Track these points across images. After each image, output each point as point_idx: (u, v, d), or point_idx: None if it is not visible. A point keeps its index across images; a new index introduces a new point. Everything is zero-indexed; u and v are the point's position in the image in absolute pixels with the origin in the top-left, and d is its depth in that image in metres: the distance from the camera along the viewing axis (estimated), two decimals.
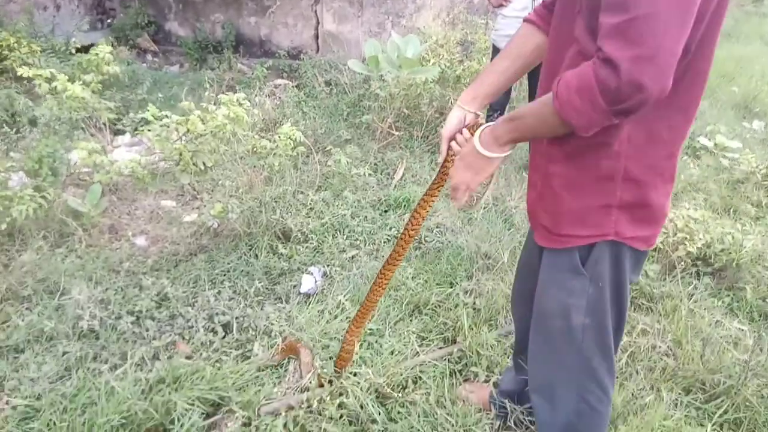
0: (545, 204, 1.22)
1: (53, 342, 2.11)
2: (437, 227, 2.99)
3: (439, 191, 1.46)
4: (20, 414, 1.77)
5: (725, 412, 1.80)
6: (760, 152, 3.85)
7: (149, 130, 2.22)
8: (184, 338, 2.17)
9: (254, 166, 2.83)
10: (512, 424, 1.77)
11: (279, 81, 5.42)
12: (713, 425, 1.75)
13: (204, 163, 2.49)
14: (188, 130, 2.19)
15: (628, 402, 1.76)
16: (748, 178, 3.34)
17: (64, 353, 2.04)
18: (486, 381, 2.00)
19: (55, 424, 1.70)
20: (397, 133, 3.95)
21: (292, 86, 5.18)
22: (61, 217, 2.74)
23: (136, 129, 3.53)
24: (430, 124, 4.15)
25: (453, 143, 1.37)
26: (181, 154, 2.28)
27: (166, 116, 2.35)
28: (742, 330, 2.11)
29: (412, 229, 1.52)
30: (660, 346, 1.98)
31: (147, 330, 2.18)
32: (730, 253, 2.46)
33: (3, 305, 2.26)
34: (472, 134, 1.34)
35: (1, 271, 2.41)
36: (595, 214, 1.14)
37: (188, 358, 2.03)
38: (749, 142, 4.08)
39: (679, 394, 1.83)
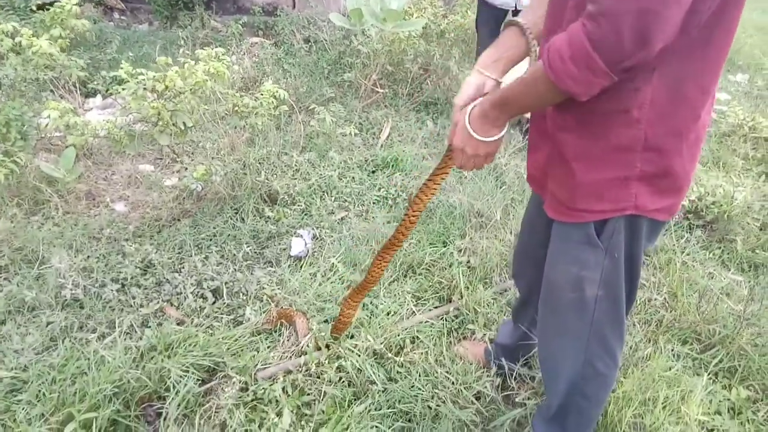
0: (556, 174, 1.13)
1: (36, 312, 2.02)
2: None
3: (445, 175, 1.30)
4: (7, 386, 1.70)
5: (720, 361, 1.82)
6: (746, 105, 3.85)
7: (124, 89, 2.09)
8: (172, 305, 2.11)
9: (236, 127, 2.71)
10: (512, 382, 1.76)
11: (255, 39, 5.21)
12: (709, 374, 1.77)
13: (184, 124, 2.37)
14: (166, 87, 2.06)
15: (628, 355, 1.76)
16: (735, 131, 3.34)
17: (48, 323, 1.97)
18: (482, 339, 1.99)
19: (44, 395, 1.64)
20: (381, 90, 3.83)
21: (269, 44, 4.98)
22: (35, 183, 2.61)
23: (107, 90, 3.36)
24: (414, 81, 4.04)
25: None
26: (159, 114, 2.15)
27: (141, 74, 2.22)
28: (738, 281, 2.13)
29: (413, 215, 1.38)
30: (656, 299, 1.98)
31: (133, 298, 2.11)
32: (721, 205, 2.46)
33: None
34: None
35: None
36: (613, 188, 1.04)
37: (179, 323, 1.97)
38: (734, 95, 4.07)
39: (676, 345, 1.84)
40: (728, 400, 1.72)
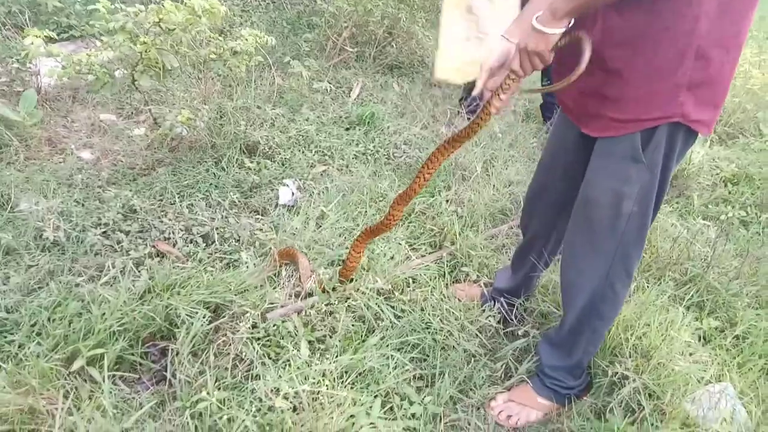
0: (603, 90, 1.19)
1: (13, 256, 1.89)
2: (405, 143, 2.97)
3: (468, 139, 1.34)
4: None
5: (692, 296, 2.00)
6: None
7: (109, 22, 1.95)
8: (161, 252, 2.04)
9: (216, 73, 2.62)
10: (512, 319, 1.85)
11: None
12: (683, 308, 1.95)
13: (163, 66, 2.26)
14: (160, 20, 1.94)
15: None
16: None
17: (30, 267, 1.85)
18: (476, 281, 2.07)
19: (39, 334, 1.56)
20: (351, 50, 3.80)
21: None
22: None
23: (65, 31, 3.14)
24: (380, 44, 4.04)
25: (491, 84, 1.26)
26: (145, 53, 2.04)
27: (124, 8, 2.09)
28: (707, 225, 2.34)
29: (427, 173, 1.45)
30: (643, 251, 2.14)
31: (119, 242, 2.01)
32: (680, 165, 2.67)
33: None
34: (513, 81, 1.22)
35: None
36: (664, 95, 1.13)
37: (177, 260, 1.91)
38: None
39: (655, 283, 2.01)
40: (700, 329, 1.90)
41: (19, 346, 1.54)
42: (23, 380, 1.37)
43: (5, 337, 1.58)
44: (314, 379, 1.47)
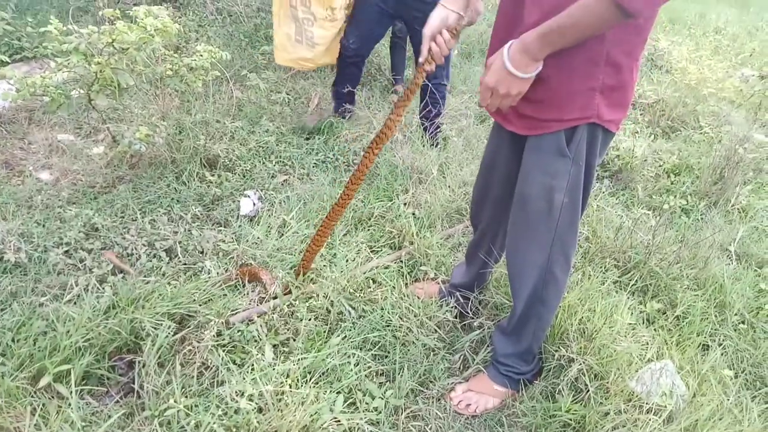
0: (529, 93, 1.28)
1: None
2: (363, 150, 3.05)
3: (407, 105, 1.48)
4: None
5: (635, 282, 2.13)
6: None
7: (62, 44, 1.98)
8: (118, 255, 2.07)
9: (174, 89, 2.66)
10: (468, 311, 1.95)
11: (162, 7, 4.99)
12: (627, 293, 2.07)
13: (119, 85, 2.29)
14: (113, 41, 1.98)
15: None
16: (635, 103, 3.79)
17: None
18: (434, 279, 2.16)
19: (4, 354, 1.58)
20: None
21: (179, 15, 4.81)
22: None
23: (18, 53, 3.14)
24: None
25: (433, 44, 1.40)
26: (99, 72, 2.07)
27: (75, 30, 2.12)
28: (647, 214, 2.48)
29: (376, 147, 1.54)
30: (581, 232, 2.26)
31: (81, 261, 2.04)
32: (624, 158, 2.83)
33: None
34: (453, 36, 1.38)
35: None
36: (581, 98, 1.24)
37: (120, 272, 1.95)
38: None
39: (600, 272, 2.13)
40: (643, 312, 2.03)
41: None
42: None
43: None
44: (278, 379, 1.53)
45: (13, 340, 1.63)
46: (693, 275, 2.20)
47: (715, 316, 2.05)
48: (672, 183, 2.94)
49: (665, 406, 1.56)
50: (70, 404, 1.43)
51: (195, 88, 2.58)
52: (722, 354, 1.89)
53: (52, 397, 1.50)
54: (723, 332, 1.99)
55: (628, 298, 2.05)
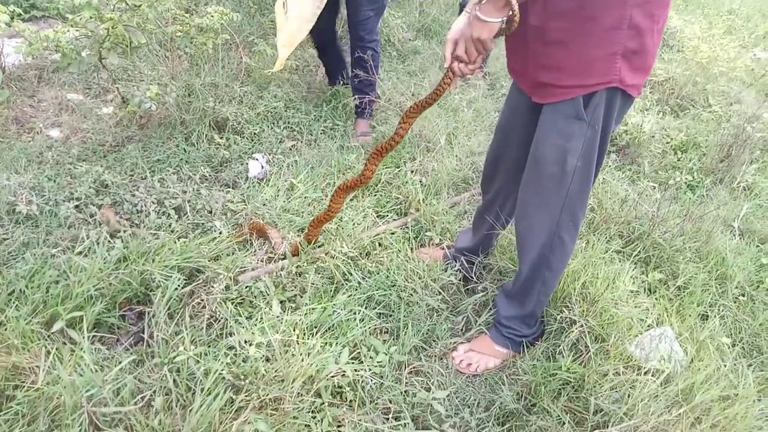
0: (546, 61, 1.30)
1: None
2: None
3: (434, 101, 1.45)
4: None
5: (639, 253, 2.15)
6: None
7: (66, 1, 1.98)
8: (134, 223, 2.10)
9: (183, 51, 2.65)
10: (473, 276, 1.97)
11: None
12: (630, 262, 2.09)
13: (130, 43, 2.29)
14: None
15: None
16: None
17: (4, 239, 1.89)
18: (439, 244, 2.19)
19: (18, 299, 1.61)
20: None
21: None
22: None
23: (27, 11, 3.12)
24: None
25: (455, 64, 1.34)
26: (111, 29, 2.07)
27: None
28: (653, 187, 2.49)
29: (398, 135, 1.54)
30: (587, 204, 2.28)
31: (92, 216, 2.07)
32: (632, 133, 2.82)
33: None
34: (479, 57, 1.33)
35: None
36: (602, 63, 1.25)
37: (116, 232, 1.97)
38: None
39: (604, 242, 2.15)
40: (645, 282, 2.05)
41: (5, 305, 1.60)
42: (4, 340, 1.44)
43: None
44: (285, 330, 1.56)
45: (26, 287, 1.66)
46: (695, 248, 2.22)
47: (716, 287, 2.07)
48: (678, 159, 2.94)
49: (663, 370, 1.59)
50: (82, 348, 1.47)
51: (204, 51, 2.57)
52: (721, 324, 1.92)
53: (65, 342, 1.53)
54: (723, 303, 2.01)
55: (632, 268, 2.07)
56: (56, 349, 1.47)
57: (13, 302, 1.60)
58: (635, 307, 1.79)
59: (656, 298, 1.99)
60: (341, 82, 3.22)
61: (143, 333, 1.66)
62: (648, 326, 1.80)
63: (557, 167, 1.42)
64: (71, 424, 1.27)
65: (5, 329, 1.48)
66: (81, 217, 2.05)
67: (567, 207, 1.48)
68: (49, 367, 1.39)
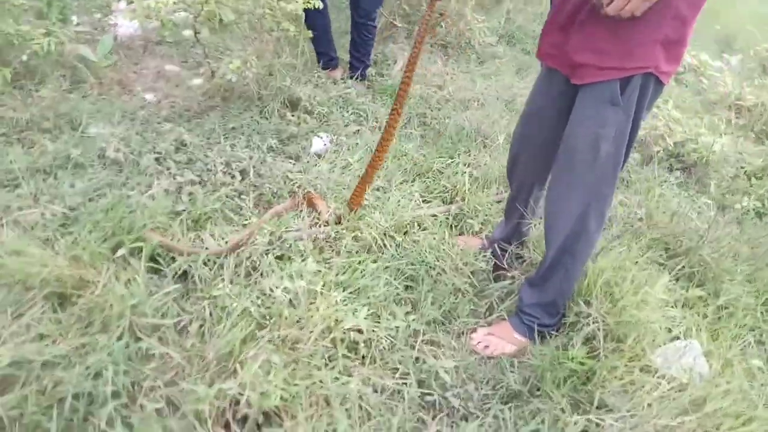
0: (590, 42, 1.36)
1: (79, 169, 2.22)
2: (437, 108, 3.15)
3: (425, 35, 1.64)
4: (59, 220, 1.91)
5: (682, 268, 2.10)
6: (736, 79, 4.11)
7: None
8: (203, 180, 2.31)
9: (269, 33, 2.89)
10: (503, 263, 2.02)
11: None
12: (671, 276, 2.05)
13: (221, 20, 2.54)
14: None
15: (602, 247, 2.02)
16: (722, 100, 3.60)
17: (92, 178, 2.17)
18: (477, 233, 2.24)
19: (94, 227, 1.86)
20: (400, 25, 4.00)
21: None
22: (74, 63, 2.77)
23: None
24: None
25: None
26: (205, 3, 2.32)
27: None
28: (708, 204, 2.41)
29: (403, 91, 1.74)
30: (636, 213, 2.25)
31: (168, 169, 2.31)
32: (701, 152, 2.73)
33: (26, 133, 2.34)
34: None
35: (23, 104, 2.47)
36: (643, 48, 1.30)
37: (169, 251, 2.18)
38: (725, 72, 4.33)
39: (646, 250, 2.12)
40: (684, 297, 2.01)
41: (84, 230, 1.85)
42: (77, 255, 1.67)
43: (67, 228, 1.90)
44: (312, 281, 1.70)
45: (103, 218, 1.91)
46: (747, 272, 2.13)
47: (761, 313, 1.99)
48: (751, 185, 2.80)
49: (680, 379, 1.57)
50: (138, 273, 1.68)
51: (288, 34, 2.78)
52: (758, 348, 1.85)
53: (125, 267, 1.76)
54: (765, 329, 1.93)
55: (672, 281, 2.03)
56: (116, 269, 1.69)
57: (91, 228, 1.85)
58: (662, 316, 1.77)
59: (691, 316, 1.94)
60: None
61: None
62: (674, 338, 1.77)
63: (590, 154, 1.46)
64: (116, 330, 1.47)
65: (82, 248, 1.71)
66: (159, 169, 2.30)
67: (595, 194, 1.51)
68: (107, 282, 1.61)
